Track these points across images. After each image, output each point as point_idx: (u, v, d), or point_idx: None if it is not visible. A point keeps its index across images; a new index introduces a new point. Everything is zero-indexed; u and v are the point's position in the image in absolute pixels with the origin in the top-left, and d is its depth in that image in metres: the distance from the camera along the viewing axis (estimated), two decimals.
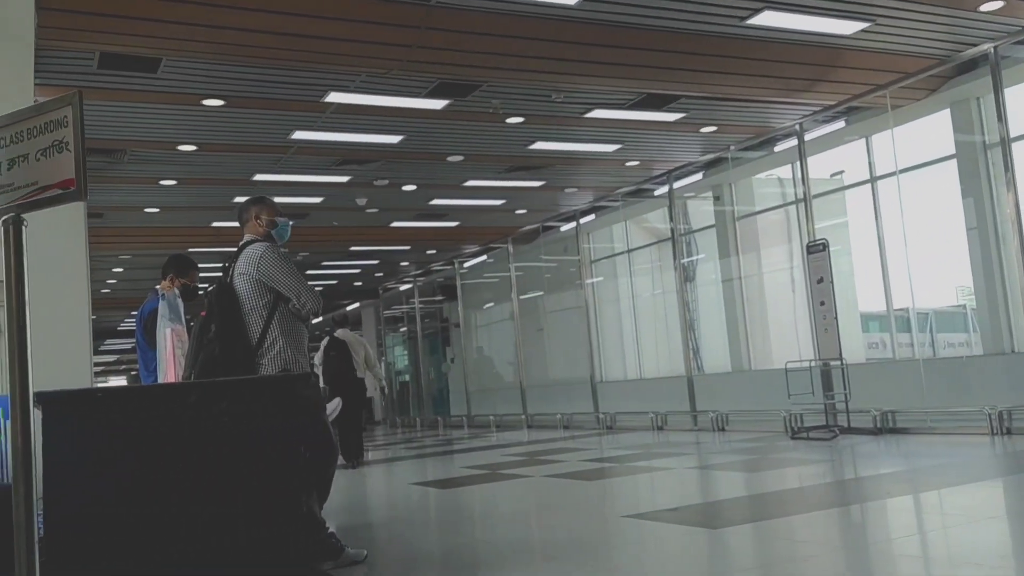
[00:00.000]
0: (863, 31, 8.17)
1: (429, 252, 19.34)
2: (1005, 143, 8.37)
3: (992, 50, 8.41)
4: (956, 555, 3.68)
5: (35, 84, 5.89)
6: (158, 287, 5.64)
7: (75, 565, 3.06)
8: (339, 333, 10.47)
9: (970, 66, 9.40)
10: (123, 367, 40.95)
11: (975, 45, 8.64)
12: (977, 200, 9.73)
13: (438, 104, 9.36)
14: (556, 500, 6.44)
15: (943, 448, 7.64)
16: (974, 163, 9.82)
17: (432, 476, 8.80)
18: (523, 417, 15.84)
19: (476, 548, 4.77)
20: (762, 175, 13.46)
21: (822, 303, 9.44)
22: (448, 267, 19.95)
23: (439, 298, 22.34)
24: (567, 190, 14.32)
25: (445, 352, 22.02)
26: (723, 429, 10.95)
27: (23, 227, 2.33)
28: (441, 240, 17.76)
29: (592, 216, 15.91)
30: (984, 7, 7.83)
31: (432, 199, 14.03)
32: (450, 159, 11.69)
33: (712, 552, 4.18)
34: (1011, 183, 8.28)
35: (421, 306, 21.97)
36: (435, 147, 11.12)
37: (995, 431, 7.90)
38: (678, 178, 12.93)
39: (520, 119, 10.13)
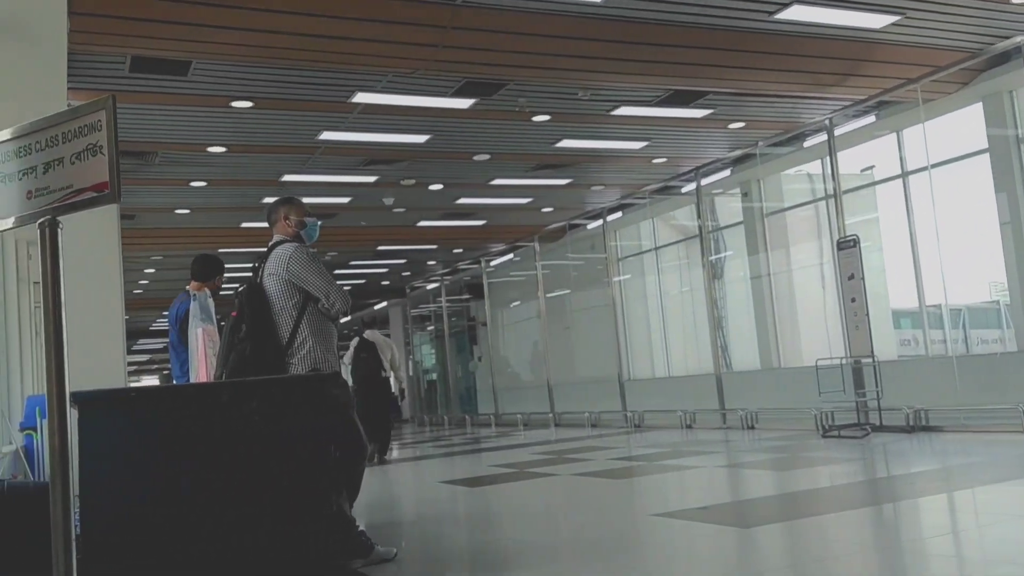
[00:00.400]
0: (894, 24, 8.07)
1: (456, 251, 19.39)
2: None
3: None
4: (991, 554, 3.63)
5: (68, 88, 5.97)
6: (188, 288, 5.71)
7: (111, 562, 3.10)
8: (368, 334, 10.53)
9: (1002, 59, 9.26)
10: (155, 367, 41.46)
11: (1007, 37, 8.51)
12: (1010, 194, 9.58)
13: (464, 103, 9.38)
14: (584, 499, 6.43)
15: (977, 446, 7.53)
16: (1007, 157, 9.67)
17: (460, 474, 8.82)
18: (551, 415, 15.82)
19: (505, 546, 4.78)
20: (791, 171, 13.34)
21: (853, 300, 9.34)
22: (475, 266, 19.96)
23: (466, 297, 22.37)
24: (594, 188, 14.29)
25: (472, 351, 22.05)
26: (752, 427, 10.87)
27: (58, 230, 2.36)
28: (468, 239, 17.81)
29: (619, 214, 15.85)
30: None
31: (459, 198, 14.06)
32: (476, 158, 11.71)
33: (743, 551, 4.15)
34: None
35: (448, 305, 22.02)
36: (461, 146, 11.15)
37: None
38: (706, 175, 12.85)
39: (546, 117, 10.12)
